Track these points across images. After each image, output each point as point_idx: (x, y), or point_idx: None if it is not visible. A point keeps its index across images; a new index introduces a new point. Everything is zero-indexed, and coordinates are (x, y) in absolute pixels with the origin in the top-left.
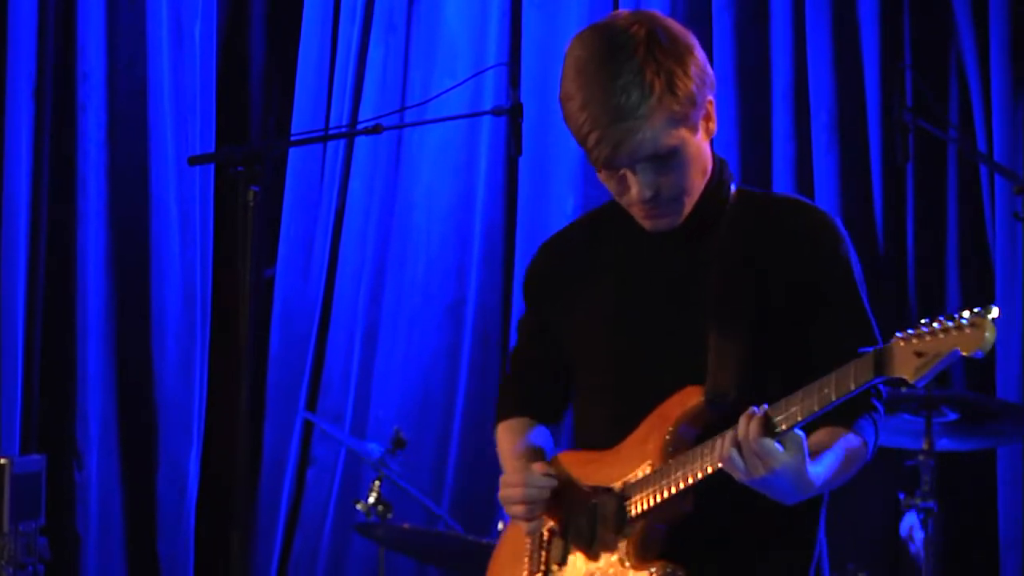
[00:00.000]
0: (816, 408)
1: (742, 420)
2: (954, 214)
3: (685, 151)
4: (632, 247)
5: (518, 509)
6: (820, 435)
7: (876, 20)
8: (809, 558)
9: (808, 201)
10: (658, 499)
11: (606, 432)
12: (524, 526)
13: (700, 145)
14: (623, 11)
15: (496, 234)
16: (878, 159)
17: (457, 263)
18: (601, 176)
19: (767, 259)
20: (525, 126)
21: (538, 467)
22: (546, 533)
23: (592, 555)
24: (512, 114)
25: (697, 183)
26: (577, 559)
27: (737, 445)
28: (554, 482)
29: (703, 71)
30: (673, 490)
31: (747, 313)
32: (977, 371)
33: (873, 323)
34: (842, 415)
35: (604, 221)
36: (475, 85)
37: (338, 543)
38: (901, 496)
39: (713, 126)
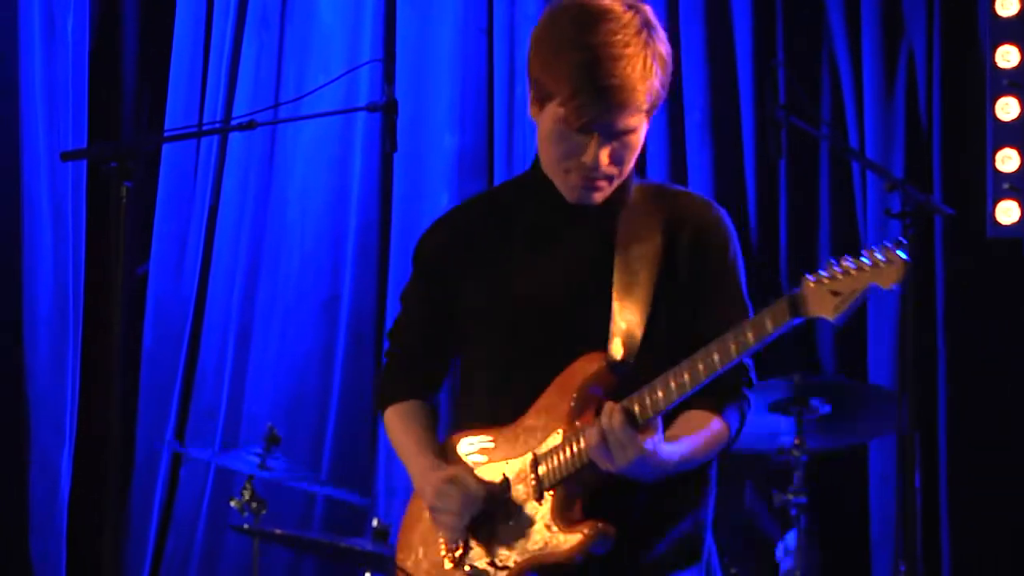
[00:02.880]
0: (688, 387)
1: (604, 412)
2: (826, 210)
3: (639, 134)
4: (539, 222)
5: (452, 522)
6: (685, 417)
7: (749, 18)
8: (701, 538)
9: (699, 194)
10: (571, 465)
11: (504, 405)
12: (447, 531)
13: (644, 134)
14: None
15: (371, 231)
16: (751, 156)
17: (332, 260)
18: (552, 132)
19: (665, 242)
20: (400, 122)
21: (463, 479)
22: None
23: (513, 527)
24: (387, 110)
25: (629, 169)
26: (496, 532)
27: (603, 437)
28: (483, 494)
29: (670, 65)
30: (584, 459)
31: (648, 288)
32: (848, 361)
33: (750, 308)
34: (710, 398)
35: (504, 199)
36: (349, 81)
37: (212, 540)
38: (774, 492)
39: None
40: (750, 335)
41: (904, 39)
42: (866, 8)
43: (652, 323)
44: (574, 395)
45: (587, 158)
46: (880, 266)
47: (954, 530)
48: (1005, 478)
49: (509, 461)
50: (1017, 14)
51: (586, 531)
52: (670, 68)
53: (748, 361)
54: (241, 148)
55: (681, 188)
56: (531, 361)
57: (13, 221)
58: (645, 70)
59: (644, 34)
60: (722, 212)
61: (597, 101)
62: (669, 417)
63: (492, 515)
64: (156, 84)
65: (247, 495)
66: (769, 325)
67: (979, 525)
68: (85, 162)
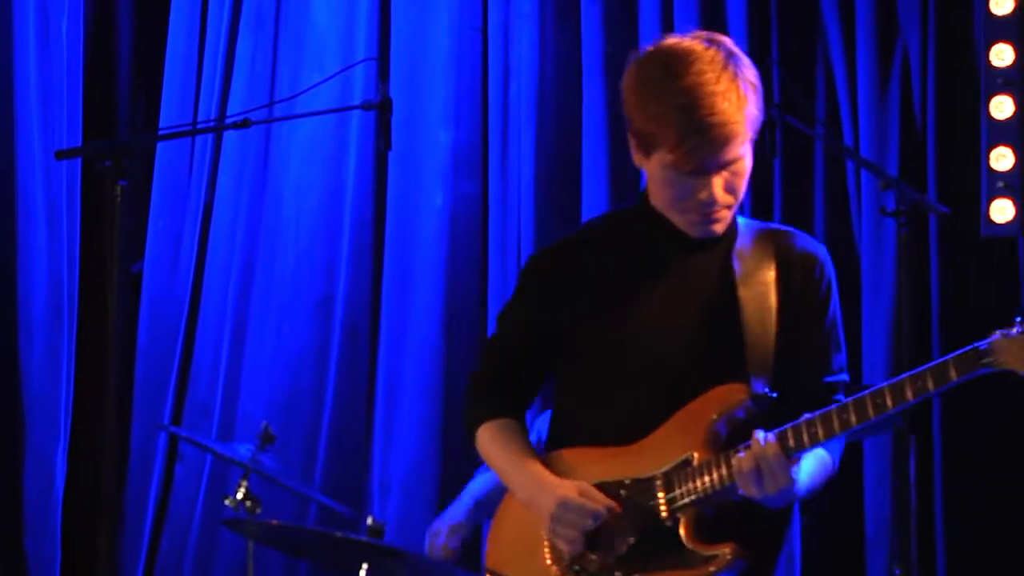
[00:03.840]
0: (852, 426)
1: (758, 440)
2: (821, 209)
3: (747, 160)
4: (659, 255)
5: (573, 535)
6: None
7: (744, 16)
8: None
9: (804, 233)
10: (709, 488)
11: (626, 426)
12: (564, 546)
13: (751, 158)
14: (678, 35)
15: (366, 229)
16: None
17: (326, 258)
18: (662, 179)
19: (778, 279)
20: (394, 121)
21: (592, 494)
22: None
23: (638, 543)
24: (381, 109)
25: (742, 195)
26: (616, 547)
27: (757, 464)
28: (607, 510)
29: (761, 92)
30: (727, 482)
31: (774, 322)
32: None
33: (843, 351)
34: None
35: (618, 231)
36: (344, 80)
37: (206, 539)
38: None
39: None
40: (930, 382)
41: (899, 37)
42: (860, 7)
43: (780, 357)
44: (713, 420)
45: (703, 195)
46: None
47: (949, 531)
48: (1001, 478)
49: (632, 479)
50: (1012, 12)
51: (726, 552)
52: (761, 90)
53: None
54: (236, 146)
55: (784, 226)
56: (658, 386)
57: (8, 220)
58: (740, 100)
59: (731, 67)
60: (827, 255)
61: (703, 143)
62: None
63: (611, 529)
64: (151, 83)
65: (242, 493)
66: (953, 373)
67: (975, 526)
68: (80, 160)
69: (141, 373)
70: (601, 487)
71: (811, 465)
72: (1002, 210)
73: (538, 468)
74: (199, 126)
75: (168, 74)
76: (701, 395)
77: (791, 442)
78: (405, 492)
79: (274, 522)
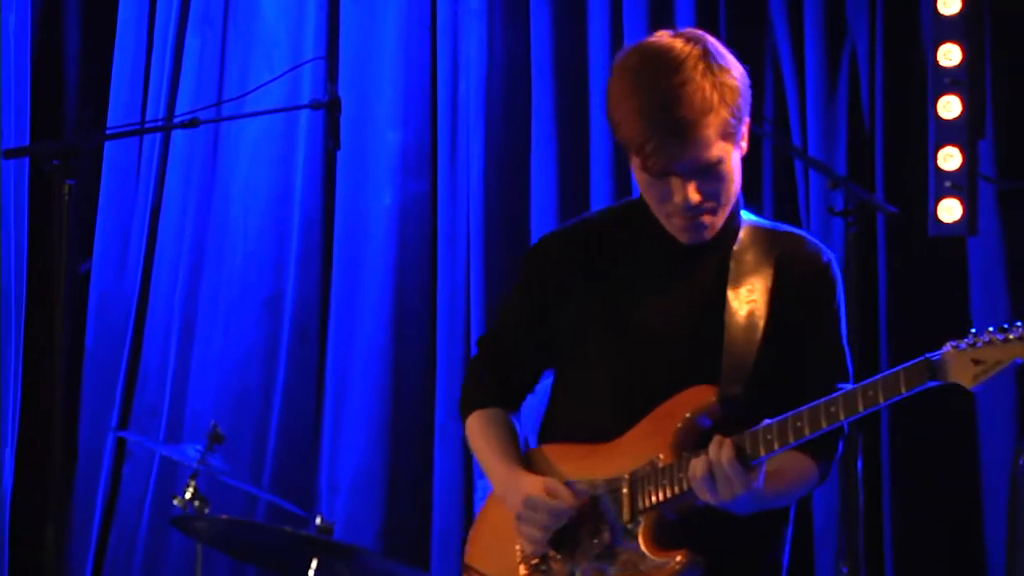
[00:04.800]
0: (805, 435)
1: (713, 446)
2: (769, 208)
3: (728, 164)
4: (654, 254)
5: (536, 533)
6: (786, 456)
7: (692, 15)
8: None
9: (811, 236)
10: (669, 492)
11: (604, 425)
12: (528, 545)
13: (737, 161)
14: (667, 31)
15: (314, 228)
16: None
17: (275, 257)
18: (642, 182)
19: (775, 282)
20: (343, 120)
21: (559, 492)
22: None
23: (599, 544)
24: (330, 108)
25: (731, 199)
26: (580, 546)
27: (710, 469)
28: (573, 508)
29: (746, 90)
30: (685, 487)
31: (759, 326)
32: None
33: (847, 358)
34: (812, 444)
35: (618, 226)
36: (292, 79)
37: (155, 538)
38: None
39: (745, 145)
40: (880, 394)
41: (847, 38)
42: (808, 6)
43: (761, 362)
44: (679, 424)
45: (677, 199)
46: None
47: (896, 529)
48: (947, 476)
49: (602, 479)
50: (959, 12)
51: (679, 558)
52: (743, 91)
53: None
54: (184, 146)
55: (793, 229)
56: (638, 387)
57: None
58: (705, 101)
59: (702, 65)
60: (832, 258)
61: (665, 144)
62: None
63: (576, 529)
64: (98, 82)
65: (190, 493)
66: (903, 386)
67: (921, 523)
68: (27, 160)
69: (89, 372)
70: (573, 485)
71: (784, 472)
72: (950, 210)
73: (513, 463)
74: (147, 125)
75: (116, 73)
76: (674, 396)
77: (748, 449)
78: (353, 492)
79: (223, 517)
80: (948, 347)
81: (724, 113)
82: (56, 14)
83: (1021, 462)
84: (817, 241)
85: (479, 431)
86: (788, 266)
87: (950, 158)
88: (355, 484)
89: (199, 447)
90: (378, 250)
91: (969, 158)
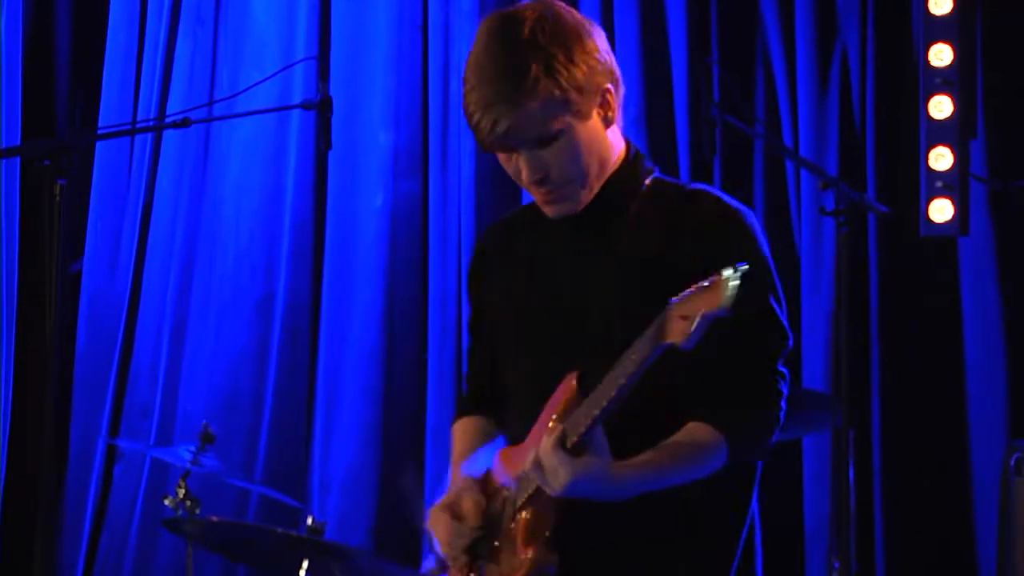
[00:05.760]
0: (601, 406)
1: (544, 432)
2: (761, 208)
3: (571, 136)
4: (542, 234)
5: (444, 550)
6: (683, 430)
7: (683, 15)
8: (726, 563)
9: (722, 194)
10: (531, 486)
11: (524, 422)
12: (445, 556)
13: (593, 132)
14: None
15: (306, 229)
16: (686, 153)
17: (266, 258)
18: (500, 160)
19: (673, 248)
20: (334, 120)
21: (460, 505)
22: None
23: (495, 547)
24: (321, 108)
25: (593, 170)
26: (484, 551)
27: (537, 458)
28: (473, 520)
29: (595, 59)
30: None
31: (648, 299)
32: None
33: (780, 318)
34: (705, 408)
35: (523, 216)
36: (284, 79)
37: (146, 540)
38: None
39: (612, 115)
40: (634, 356)
41: (838, 38)
42: (800, 6)
43: (635, 330)
44: (553, 416)
45: (524, 175)
46: (711, 290)
47: (888, 527)
48: (939, 475)
49: (515, 477)
50: (950, 12)
51: (528, 555)
52: (592, 61)
53: (783, 368)
54: (175, 146)
55: (700, 187)
56: (541, 378)
57: None
58: (520, 72)
59: (530, 38)
60: (735, 210)
61: (486, 122)
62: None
63: (487, 531)
64: (90, 81)
65: (181, 493)
66: (636, 357)
67: (913, 522)
68: (19, 160)
69: (80, 373)
70: (493, 489)
71: (673, 447)
72: (941, 210)
73: (456, 472)
74: (139, 125)
75: (107, 72)
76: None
77: (567, 433)
78: (345, 492)
79: (214, 518)
80: (670, 304)
81: (547, 84)
82: (47, 13)
83: (1012, 461)
84: (731, 198)
85: (453, 441)
86: (681, 224)
87: (941, 158)
88: (346, 484)
89: (191, 448)
90: (369, 251)
91: (960, 158)
